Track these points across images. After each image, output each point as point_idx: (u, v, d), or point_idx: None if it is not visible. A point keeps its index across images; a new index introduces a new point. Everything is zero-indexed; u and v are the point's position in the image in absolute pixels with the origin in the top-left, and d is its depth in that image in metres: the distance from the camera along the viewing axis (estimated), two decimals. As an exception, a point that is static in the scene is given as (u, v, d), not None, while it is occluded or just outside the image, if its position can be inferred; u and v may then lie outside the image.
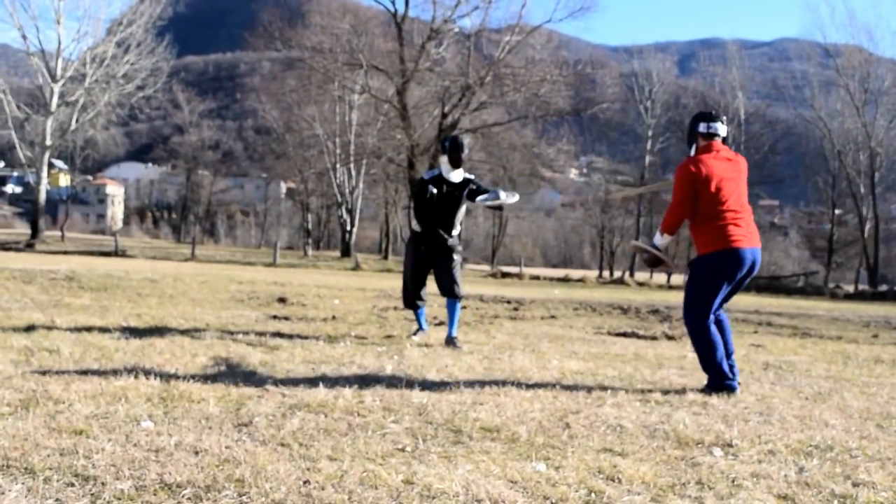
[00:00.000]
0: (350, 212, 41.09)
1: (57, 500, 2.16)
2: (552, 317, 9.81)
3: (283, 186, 67.17)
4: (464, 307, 9.36)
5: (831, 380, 5.22)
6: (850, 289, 31.90)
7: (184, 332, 5.92)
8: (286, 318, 7.58)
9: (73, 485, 2.27)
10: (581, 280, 28.53)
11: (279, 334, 6.09)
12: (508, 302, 11.94)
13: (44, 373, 3.88)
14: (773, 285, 27.35)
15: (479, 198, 5.99)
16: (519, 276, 29.14)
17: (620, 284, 28.47)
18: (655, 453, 2.98)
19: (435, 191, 5.96)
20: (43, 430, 2.80)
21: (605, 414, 3.61)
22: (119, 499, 2.19)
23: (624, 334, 7.98)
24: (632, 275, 35.16)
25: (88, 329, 5.73)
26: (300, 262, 30.18)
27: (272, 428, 3.04)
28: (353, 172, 40.69)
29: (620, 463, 2.78)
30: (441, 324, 7.26)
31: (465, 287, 7.25)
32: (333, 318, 7.92)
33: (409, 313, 7.66)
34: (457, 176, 6.08)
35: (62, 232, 38.72)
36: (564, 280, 28.36)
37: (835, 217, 41.68)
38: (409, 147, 30.41)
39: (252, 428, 3.04)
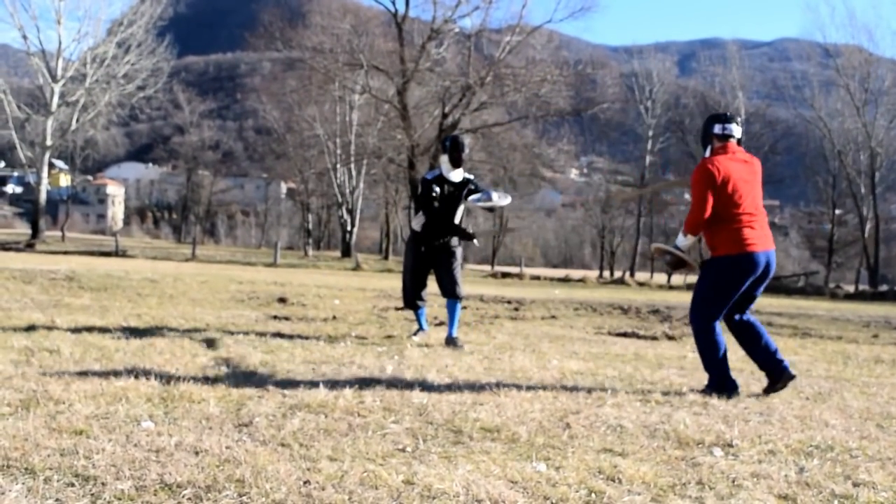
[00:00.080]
0: (350, 212, 41.10)
1: (57, 500, 2.16)
2: (552, 317, 9.81)
3: (284, 186, 67.19)
4: (464, 307, 9.36)
5: (831, 380, 5.22)
6: (851, 289, 31.94)
7: (184, 332, 5.93)
8: (286, 319, 7.58)
9: (73, 485, 2.27)
10: (581, 280, 28.56)
11: (279, 334, 6.09)
12: (509, 302, 11.95)
13: (44, 373, 3.88)
14: (774, 285, 27.29)
15: (472, 197, 5.97)
16: (519, 276, 29.17)
17: (621, 284, 28.49)
18: (656, 453, 2.98)
19: (438, 190, 5.97)
20: (43, 431, 2.80)
21: (605, 414, 3.61)
22: (119, 499, 2.19)
23: (624, 334, 7.99)
24: (632, 275, 35.17)
25: (89, 329, 5.73)
26: (300, 263, 30.19)
27: (272, 428, 3.04)
28: (354, 172, 40.69)
29: (621, 463, 2.78)
30: (441, 324, 7.25)
31: (465, 287, 7.25)
32: (334, 318, 7.92)
33: (410, 313, 7.66)
34: (457, 176, 6.08)
35: (62, 232, 38.70)
36: (565, 280, 28.38)
37: (835, 217, 41.71)
38: (410, 147, 30.41)
39: (252, 428, 3.03)
